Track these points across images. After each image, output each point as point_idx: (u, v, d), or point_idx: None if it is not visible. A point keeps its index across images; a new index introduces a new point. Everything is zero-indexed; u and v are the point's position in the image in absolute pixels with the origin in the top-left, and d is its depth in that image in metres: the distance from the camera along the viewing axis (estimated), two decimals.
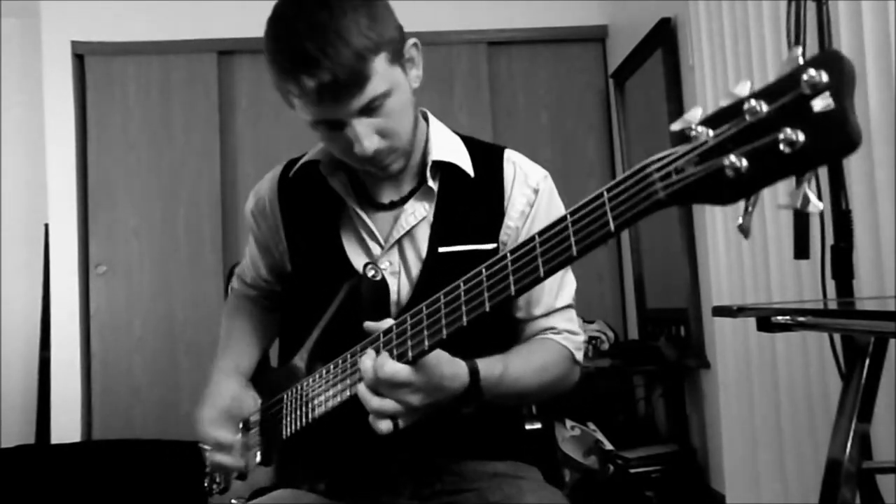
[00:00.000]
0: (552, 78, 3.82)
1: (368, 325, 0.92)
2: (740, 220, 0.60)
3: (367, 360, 0.87)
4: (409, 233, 1.07)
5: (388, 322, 0.90)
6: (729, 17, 2.38)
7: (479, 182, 1.08)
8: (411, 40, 1.01)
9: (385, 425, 0.86)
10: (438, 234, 1.06)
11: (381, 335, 0.90)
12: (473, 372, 0.93)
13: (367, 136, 0.95)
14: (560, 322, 1.11)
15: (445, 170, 1.08)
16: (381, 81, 0.93)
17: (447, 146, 1.09)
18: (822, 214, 1.44)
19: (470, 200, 1.08)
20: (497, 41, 3.77)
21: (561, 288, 1.12)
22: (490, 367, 0.96)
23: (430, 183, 1.07)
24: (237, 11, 3.67)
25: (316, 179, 1.11)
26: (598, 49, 3.83)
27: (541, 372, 1.06)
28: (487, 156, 1.11)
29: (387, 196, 1.10)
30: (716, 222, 2.50)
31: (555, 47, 3.82)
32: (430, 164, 1.06)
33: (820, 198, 1.54)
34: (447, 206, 1.07)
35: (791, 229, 1.43)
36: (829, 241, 1.43)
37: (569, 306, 1.13)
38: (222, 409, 1.13)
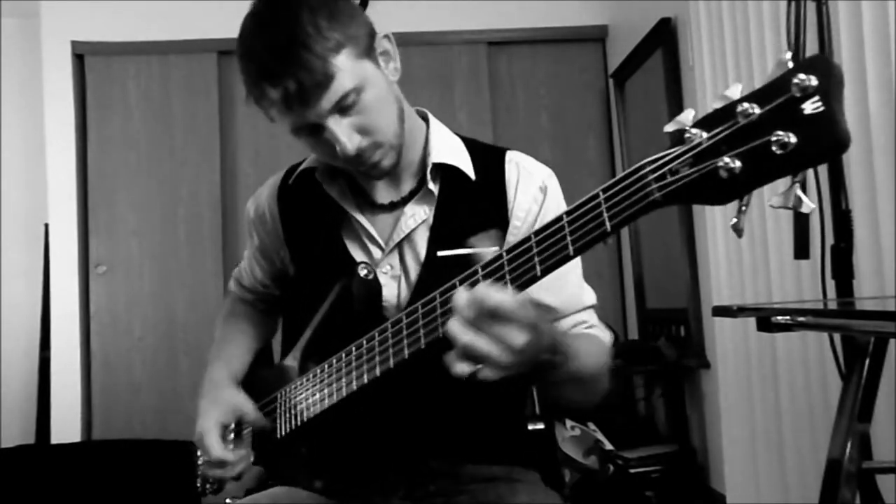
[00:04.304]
0: (552, 78, 3.82)
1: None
2: (734, 220, 0.62)
3: (464, 292, 0.71)
4: (409, 236, 1.06)
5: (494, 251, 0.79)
6: (729, 17, 2.38)
7: (481, 185, 1.06)
8: (383, 33, 1.00)
9: (463, 368, 0.71)
10: (438, 237, 1.05)
11: (480, 269, 0.78)
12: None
13: (346, 135, 0.94)
14: (592, 318, 1.08)
15: (446, 172, 1.06)
16: (348, 78, 0.92)
17: (447, 148, 1.08)
18: (822, 214, 1.44)
19: (471, 203, 1.06)
20: (497, 41, 3.77)
21: (582, 286, 1.09)
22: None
23: (431, 185, 1.05)
24: (237, 11, 3.62)
25: (314, 186, 1.10)
26: (598, 49, 3.83)
27: (596, 359, 0.97)
28: (489, 158, 1.09)
29: (386, 196, 1.09)
30: (716, 222, 2.50)
31: (555, 47, 3.82)
32: (430, 166, 1.05)
33: (820, 197, 1.53)
34: (447, 209, 1.06)
35: (791, 229, 1.43)
36: (829, 241, 1.43)
37: (594, 306, 1.10)
38: (224, 424, 1.11)
